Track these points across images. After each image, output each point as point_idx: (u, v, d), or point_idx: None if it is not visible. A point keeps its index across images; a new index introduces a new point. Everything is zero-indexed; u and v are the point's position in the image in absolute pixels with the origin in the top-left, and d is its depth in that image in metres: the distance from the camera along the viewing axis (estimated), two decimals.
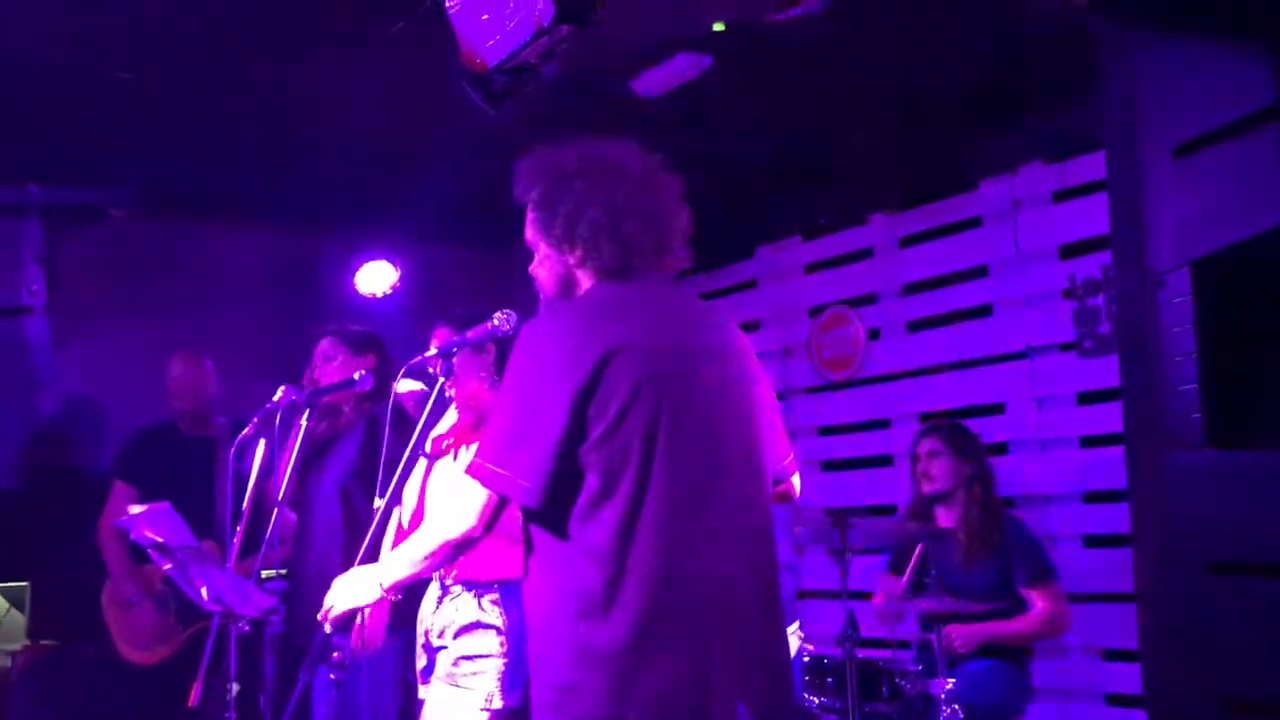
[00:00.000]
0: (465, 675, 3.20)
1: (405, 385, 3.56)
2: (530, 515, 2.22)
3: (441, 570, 3.30)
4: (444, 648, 3.31)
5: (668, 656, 2.08)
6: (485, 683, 3.15)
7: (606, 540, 2.09)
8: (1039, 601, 4.26)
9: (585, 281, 2.33)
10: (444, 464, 3.49)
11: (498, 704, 3.11)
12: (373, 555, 2.84)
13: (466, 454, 3.43)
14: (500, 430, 2.19)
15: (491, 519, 2.22)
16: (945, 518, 4.46)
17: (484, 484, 2.17)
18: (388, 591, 2.46)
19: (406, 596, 3.19)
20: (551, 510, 2.14)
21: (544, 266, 2.38)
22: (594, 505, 2.11)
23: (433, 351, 2.97)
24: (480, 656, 3.19)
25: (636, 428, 2.11)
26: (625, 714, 2.05)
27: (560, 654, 2.12)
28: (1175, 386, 2.35)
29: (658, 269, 2.33)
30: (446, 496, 2.41)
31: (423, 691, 3.41)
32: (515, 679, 3.11)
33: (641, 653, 2.06)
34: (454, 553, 2.31)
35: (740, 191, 6.15)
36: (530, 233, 2.39)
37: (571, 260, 2.31)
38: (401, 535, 3.55)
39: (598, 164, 2.32)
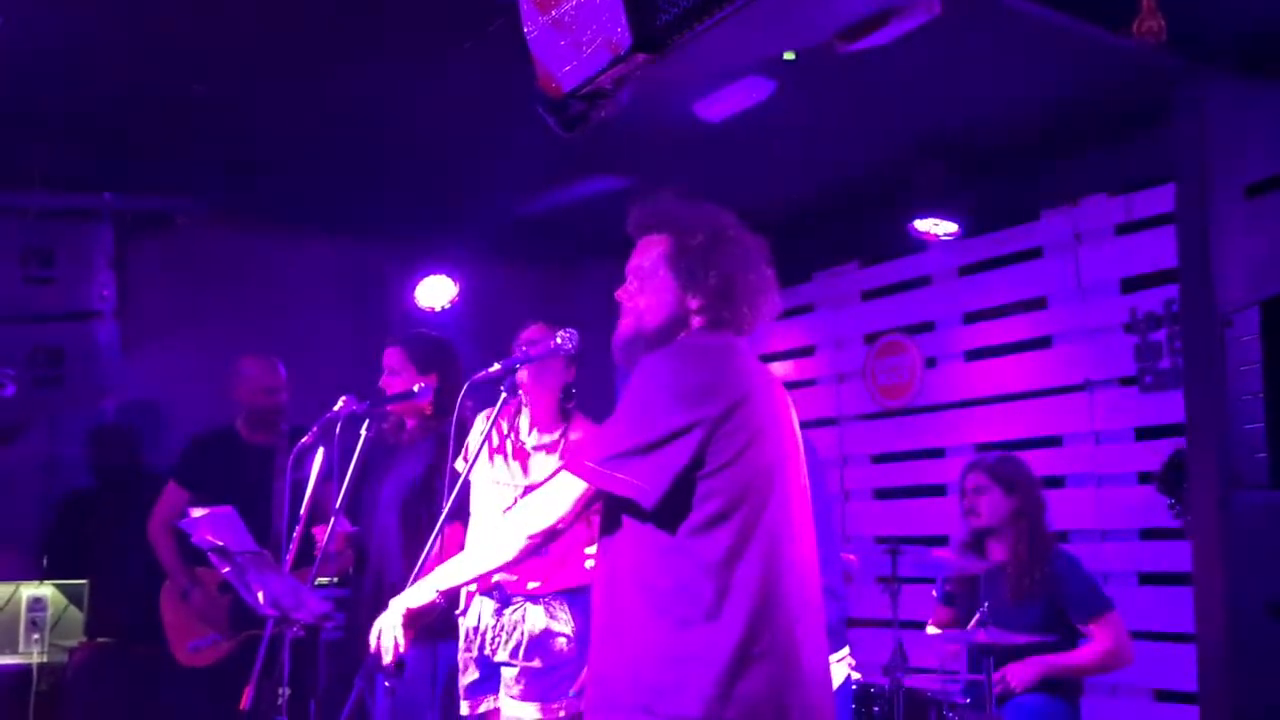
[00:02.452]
0: (544, 688, 3.25)
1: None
2: (634, 523, 2.33)
3: (502, 580, 3.35)
4: (508, 663, 3.34)
5: (765, 663, 2.24)
6: (561, 690, 3.22)
7: (720, 555, 2.25)
8: (1099, 635, 4.18)
9: (694, 325, 2.47)
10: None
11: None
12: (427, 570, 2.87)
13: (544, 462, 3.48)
14: (627, 440, 2.29)
15: (578, 515, 2.37)
16: (996, 551, 4.42)
17: (595, 482, 2.30)
18: (441, 595, 2.50)
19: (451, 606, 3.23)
20: (662, 520, 2.28)
21: (653, 298, 2.49)
22: (712, 523, 2.27)
23: (496, 367, 3.00)
24: (555, 667, 3.26)
25: (756, 464, 2.31)
26: (725, 715, 2.19)
27: (657, 655, 2.24)
28: (1240, 425, 2.33)
29: (747, 335, 2.51)
30: (528, 496, 2.50)
31: (465, 708, 3.43)
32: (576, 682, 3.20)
33: (743, 659, 2.21)
34: (538, 545, 2.41)
35: (800, 215, 6.16)
36: (646, 261, 2.51)
37: (692, 304, 2.46)
38: (449, 549, 3.59)
39: (737, 231, 2.51)
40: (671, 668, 2.22)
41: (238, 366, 4.97)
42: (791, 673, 2.27)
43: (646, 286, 2.50)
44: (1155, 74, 3.08)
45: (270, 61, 4.46)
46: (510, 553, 2.42)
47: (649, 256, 2.51)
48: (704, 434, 2.25)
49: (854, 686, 4.05)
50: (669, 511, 2.27)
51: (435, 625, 3.44)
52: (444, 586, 2.49)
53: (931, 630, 4.66)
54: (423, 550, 3.40)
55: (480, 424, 3.39)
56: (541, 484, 3.30)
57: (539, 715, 3.25)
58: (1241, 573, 2.40)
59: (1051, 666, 4.17)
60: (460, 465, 3.45)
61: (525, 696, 3.30)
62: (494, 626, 3.41)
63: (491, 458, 3.57)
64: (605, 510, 2.40)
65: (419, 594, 2.50)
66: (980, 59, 4.39)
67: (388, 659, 2.51)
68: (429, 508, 3.81)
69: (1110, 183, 5.22)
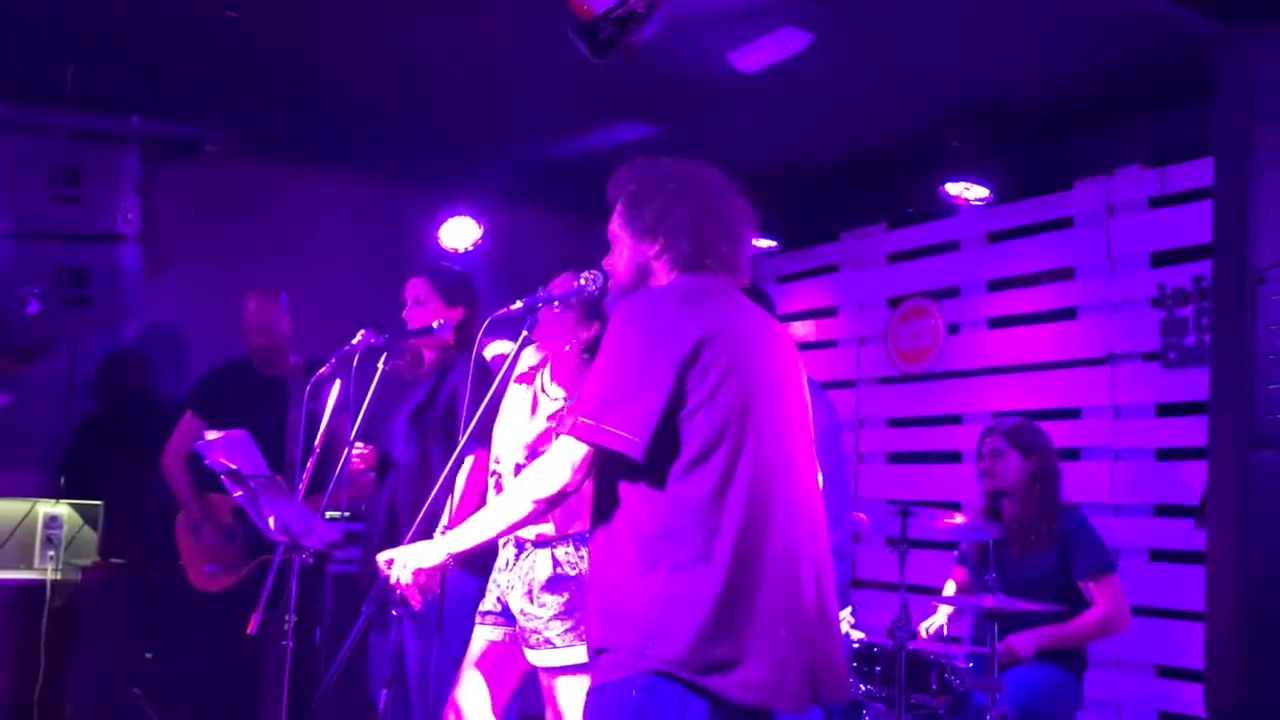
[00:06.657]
0: (562, 633, 3.18)
1: (494, 349, 3.60)
2: (623, 471, 2.36)
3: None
4: (523, 611, 3.30)
5: (754, 600, 2.27)
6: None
7: (705, 497, 2.29)
8: (1097, 596, 4.20)
9: (660, 273, 2.54)
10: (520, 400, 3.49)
11: None
12: (442, 504, 2.88)
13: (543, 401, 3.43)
14: (606, 391, 2.34)
15: (587, 474, 2.40)
16: (1010, 512, 4.43)
17: (588, 440, 2.34)
18: (452, 557, 2.57)
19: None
20: (649, 466, 2.31)
21: (622, 257, 2.60)
22: (694, 465, 2.30)
23: (518, 305, 2.98)
24: (573, 611, 3.16)
25: (731, 401, 2.33)
26: (714, 654, 2.22)
27: (649, 600, 2.28)
28: (1265, 385, 2.31)
29: (727, 275, 2.54)
30: (536, 460, 2.52)
31: (494, 634, 3.42)
32: None
33: (731, 597, 2.25)
34: (546, 509, 2.46)
35: (829, 174, 6.11)
36: (615, 226, 2.61)
37: (650, 252, 2.53)
38: (472, 484, 3.58)
39: (687, 172, 2.58)
40: (663, 611, 2.26)
41: (243, 302, 5.00)
42: (784, 607, 2.30)
43: (615, 249, 2.62)
44: (1196, 38, 3.02)
45: None
46: (518, 518, 2.48)
47: (613, 223, 2.61)
48: (676, 373, 2.29)
49: (855, 645, 4.06)
50: (656, 457, 2.30)
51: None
52: (455, 549, 2.56)
53: (949, 588, 4.68)
54: (427, 479, 3.37)
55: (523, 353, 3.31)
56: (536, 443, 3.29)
57: (570, 659, 3.17)
58: (1258, 535, 2.38)
59: (1051, 636, 4.17)
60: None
61: (547, 645, 3.24)
62: (508, 571, 3.40)
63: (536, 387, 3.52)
64: (600, 462, 2.42)
65: (431, 554, 2.58)
66: (1019, 21, 4.33)
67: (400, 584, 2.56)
68: (434, 438, 3.81)
69: (1146, 154, 5.14)
